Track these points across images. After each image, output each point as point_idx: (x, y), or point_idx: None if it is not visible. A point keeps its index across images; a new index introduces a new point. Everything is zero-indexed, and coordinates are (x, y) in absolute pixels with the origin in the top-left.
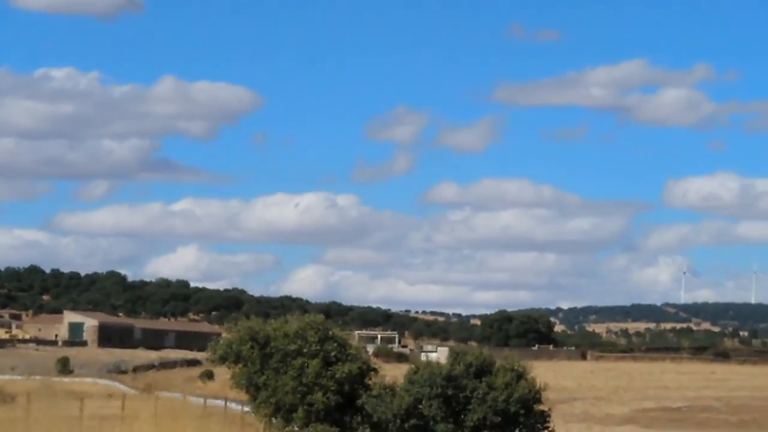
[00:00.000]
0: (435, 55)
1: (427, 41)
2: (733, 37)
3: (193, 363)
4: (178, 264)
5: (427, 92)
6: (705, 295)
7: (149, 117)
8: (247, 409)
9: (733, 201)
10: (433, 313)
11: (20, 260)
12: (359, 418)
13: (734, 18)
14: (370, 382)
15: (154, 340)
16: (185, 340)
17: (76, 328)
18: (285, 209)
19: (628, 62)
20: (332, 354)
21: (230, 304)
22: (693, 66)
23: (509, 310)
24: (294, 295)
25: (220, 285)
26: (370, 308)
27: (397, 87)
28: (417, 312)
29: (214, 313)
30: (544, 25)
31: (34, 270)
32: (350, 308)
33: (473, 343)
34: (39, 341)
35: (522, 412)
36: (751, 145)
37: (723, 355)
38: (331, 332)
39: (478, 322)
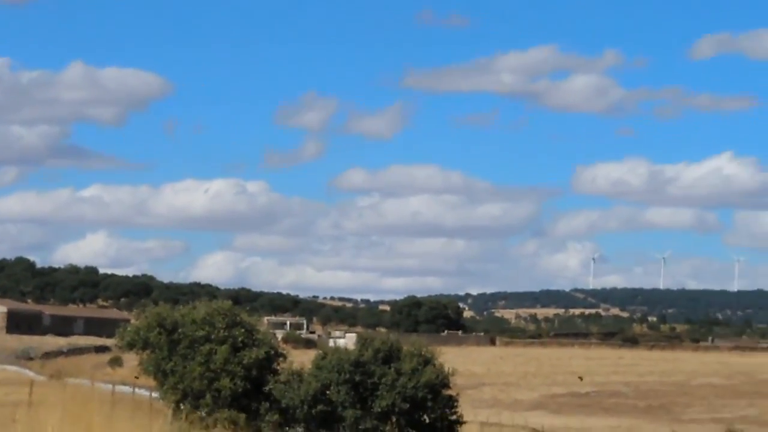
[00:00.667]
0: (344, 41)
1: (336, 27)
2: (642, 24)
3: (102, 349)
4: (87, 250)
5: (336, 78)
6: (614, 280)
7: (58, 103)
8: (155, 395)
9: (642, 187)
10: (341, 299)
11: None
12: (267, 404)
13: (644, 5)
14: (278, 368)
15: (62, 326)
16: (94, 327)
17: None
18: (194, 195)
19: (538, 48)
20: (240, 340)
21: (139, 290)
22: (603, 52)
23: (418, 296)
24: (203, 282)
25: (129, 271)
26: (279, 294)
27: (306, 73)
28: (325, 298)
29: (123, 299)
30: (453, 11)
31: None
32: (259, 294)
33: (382, 329)
34: None
35: (430, 397)
36: (660, 132)
37: (631, 341)
38: (238, 318)
39: (387, 308)
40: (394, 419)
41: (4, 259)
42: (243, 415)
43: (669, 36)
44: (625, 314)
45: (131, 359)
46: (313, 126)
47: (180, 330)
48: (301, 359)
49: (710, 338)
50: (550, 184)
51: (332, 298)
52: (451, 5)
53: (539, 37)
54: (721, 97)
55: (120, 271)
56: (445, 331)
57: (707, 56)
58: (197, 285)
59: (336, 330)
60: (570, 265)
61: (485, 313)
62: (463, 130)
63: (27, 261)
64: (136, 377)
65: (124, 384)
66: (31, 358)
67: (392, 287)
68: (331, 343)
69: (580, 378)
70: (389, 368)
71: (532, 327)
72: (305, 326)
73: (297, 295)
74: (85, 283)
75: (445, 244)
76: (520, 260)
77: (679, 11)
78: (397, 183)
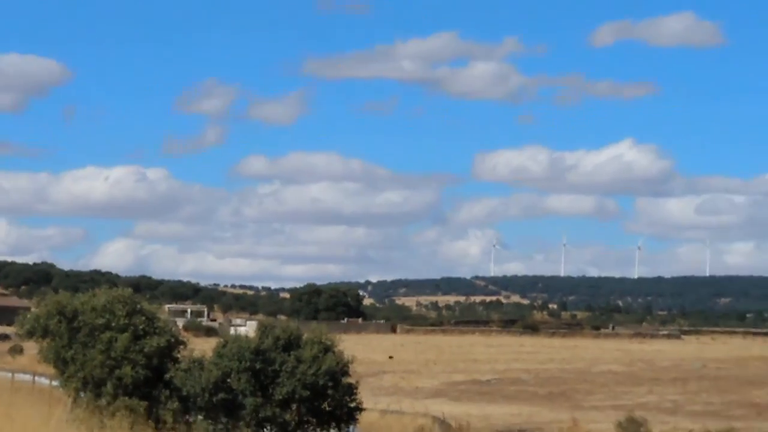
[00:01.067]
0: (245, 28)
1: (236, 13)
2: (542, 11)
3: (1, 337)
4: None
5: (237, 65)
6: (514, 267)
7: None
8: (55, 383)
9: (542, 174)
10: (242, 286)
11: None
12: (167, 392)
13: None
14: (179, 356)
15: None
16: None
17: None
18: (95, 183)
19: (438, 35)
20: (141, 328)
21: (39, 278)
22: (502, 39)
23: (318, 283)
24: (103, 269)
25: (29, 259)
26: (180, 282)
27: (207, 60)
28: (226, 285)
29: (23, 287)
30: None
31: None
32: (160, 282)
33: (282, 317)
34: None
35: (330, 384)
36: (559, 118)
37: (532, 328)
38: (139, 306)
39: (287, 295)
40: (294, 407)
41: None
42: (144, 403)
43: (569, 23)
44: (525, 301)
45: (31, 347)
46: (214, 113)
47: (80, 318)
48: (202, 347)
49: (611, 325)
50: (450, 171)
51: (233, 286)
52: None
53: (439, 24)
54: (621, 84)
55: (20, 259)
56: (346, 319)
57: (607, 43)
58: (97, 273)
59: (237, 318)
60: (471, 253)
61: (386, 300)
62: (363, 118)
63: None
64: None
65: (25, 372)
66: None
67: (293, 275)
68: (232, 330)
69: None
70: (289, 356)
71: (433, 314)
72: (206, 314)
73: (198, 283)
74: None
75: (345, 232)
76: (421, 248)
77: None
78: (298, 170)
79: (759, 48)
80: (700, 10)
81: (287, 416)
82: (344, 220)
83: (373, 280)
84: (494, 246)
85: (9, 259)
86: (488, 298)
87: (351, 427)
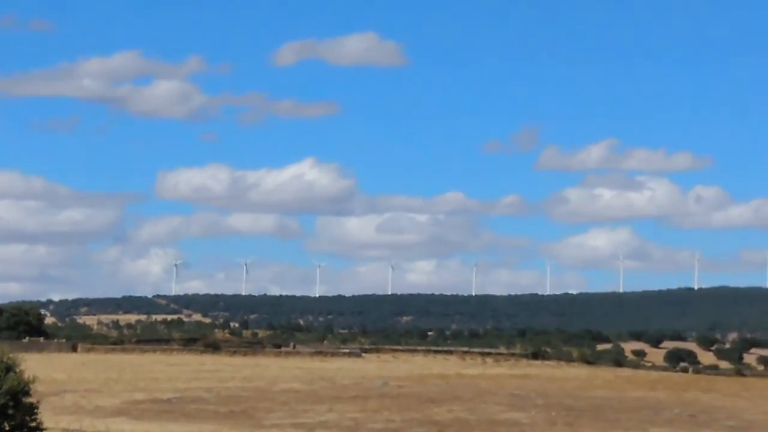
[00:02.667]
0: None
1: None
2: (225, 31)
3: None
4: None
5: None
6: (196, 286)
7: None
8: None
9: (224, 192)
10: None
11: None
12: None
13: (226, 11)
14: None
15: None
16: None
17: None
18: None
19: (121, 54)
20: None
21: None
22: (187, 58)
23: None
24: None
25: None
26: None
27: None
28: None
29: None
30: (36, 15)
31: None
32: None
33: None
34: None
35: (11, 404)
36: (242, 137)
37: (213, 346)
38: None
39: None
40: None
41: None
42: None
43: (252, 42)
44: (207, 320)
45: None
46: None
47: None
48: None
49: (292, 344)
50: (133, 189)
51: None
52: (33, 9)
53: (123, 43)
54: (303, 104)
55: None
56: (27, 338)
57: (290, 62)
58: None
59: None
60: (152, 271)
61: (67, 319)
62: (44, 136)
63: None
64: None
65: None
66: None
67: None
68: None
69: None
70: None
71: (114, 333)
72: None
73: None
74: None
75: (26, 250)
76: (102, 266)
77: (261, 17)
78: None
79: (440, 68)
80: (383, 30)
81: None
82: (25, 238)
83: (55, 298)
84: (175, 264)
85: None
86: (170, 317)
87: None
